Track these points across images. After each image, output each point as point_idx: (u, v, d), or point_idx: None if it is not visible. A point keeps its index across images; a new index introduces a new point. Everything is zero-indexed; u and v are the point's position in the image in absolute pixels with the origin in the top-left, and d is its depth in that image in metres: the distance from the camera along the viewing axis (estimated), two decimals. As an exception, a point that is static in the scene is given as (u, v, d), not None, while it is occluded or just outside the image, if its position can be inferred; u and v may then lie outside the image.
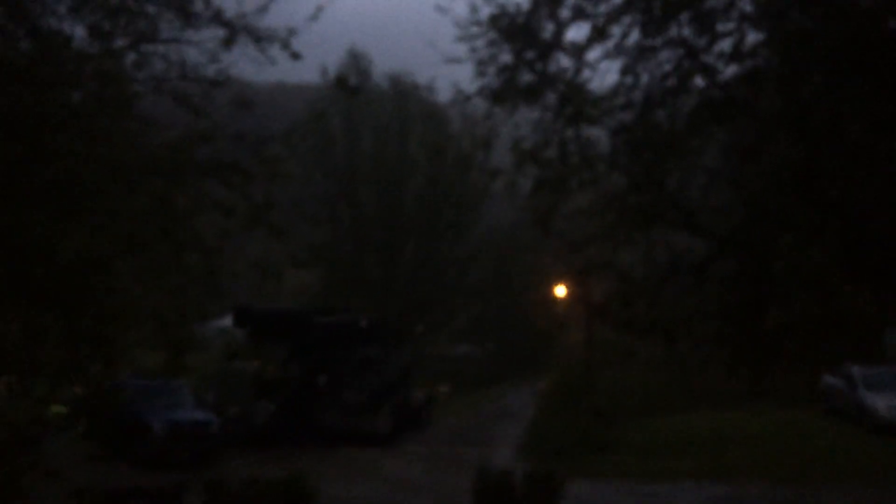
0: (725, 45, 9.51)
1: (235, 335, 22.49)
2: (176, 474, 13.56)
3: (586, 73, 10.23)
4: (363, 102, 32.19)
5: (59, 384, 10.50)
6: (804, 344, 9.51)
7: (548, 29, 10.12)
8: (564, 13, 10.00)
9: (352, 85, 12.56)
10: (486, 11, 10.23)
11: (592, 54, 10.10)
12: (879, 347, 20.97)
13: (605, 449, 19.50)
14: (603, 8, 9.74)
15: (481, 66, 10.29)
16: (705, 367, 11.83)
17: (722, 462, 17.72)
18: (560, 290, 27.60)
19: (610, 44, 9.87)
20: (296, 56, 10.12)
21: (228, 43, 9.96)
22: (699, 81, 10.07)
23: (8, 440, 10.77)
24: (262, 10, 10.05)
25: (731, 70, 9.59)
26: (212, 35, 10.06)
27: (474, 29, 10.30)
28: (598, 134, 10.67)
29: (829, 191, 8.29)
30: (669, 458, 18.48)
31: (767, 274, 8.95)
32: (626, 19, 9.75)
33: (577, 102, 9.91)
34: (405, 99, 32.64)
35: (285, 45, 10.00)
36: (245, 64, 10.52)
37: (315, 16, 10.20)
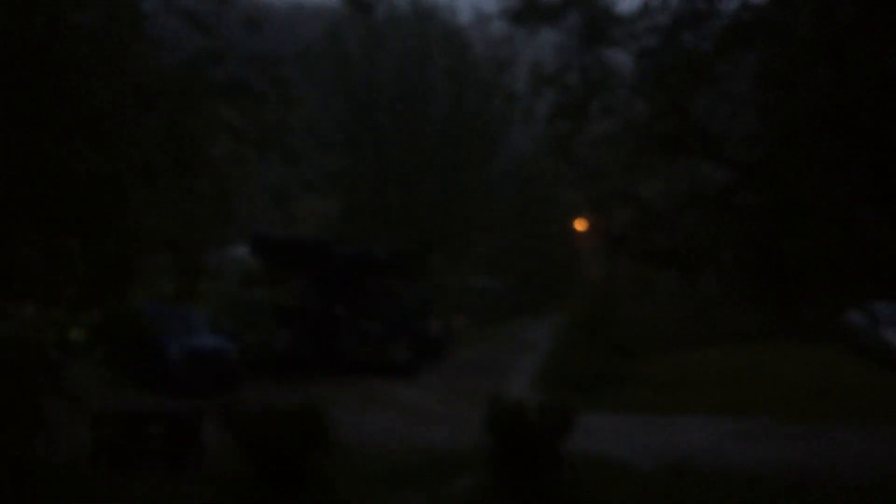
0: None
1: (252, 263, 22.53)
2: (194, 400, 13.72)
3: (611, -6, 9.79)
4: (382, 25, 31.43)
5: (78, 309, 10.55)
6: (826, 278, 9.26)
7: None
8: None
9: (366, 1, 12.13)
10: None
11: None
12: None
13: (621, 382, 19.52)
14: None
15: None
16: (726, 300, 11.64)
17: (739, 398, 17.67)
18: (580, 223, 27.33)
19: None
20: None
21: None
22: (729, 4, 9.61)
23: (29, 364, 10.90)
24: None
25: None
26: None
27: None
28: (621, 58, 10.27)
29: (862, 120, 7.91)
30: (686, 392, 18.47)
31: (792, 205, 8.64)
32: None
33: (601, 23, 9.50)
34: (425, 21, 31.82)
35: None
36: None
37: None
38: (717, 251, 9.74)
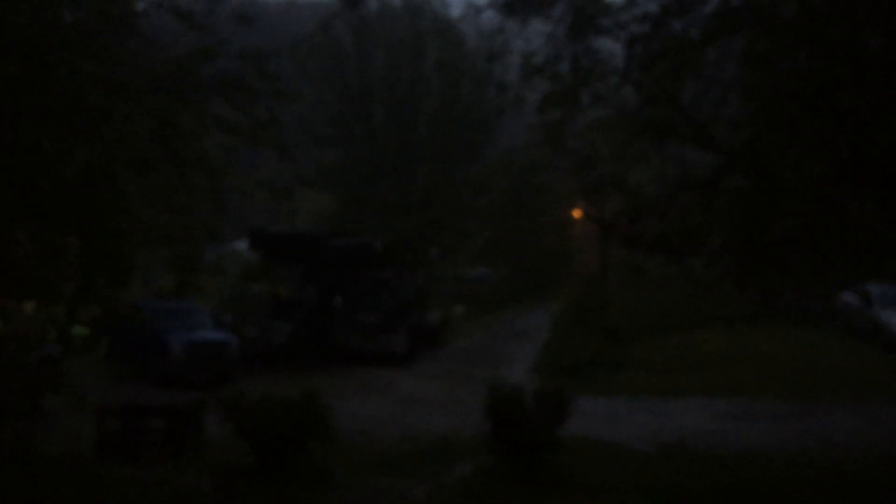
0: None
1: (251, 258, 22.66)
2: (195, 393, 13.86)
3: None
4: (374, 18, 31.47)
5: (77, 305, 10.66)
6: (809, 257, 9.42)
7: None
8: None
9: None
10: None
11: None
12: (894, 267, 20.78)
13: (616, 367, 19.70)
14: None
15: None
16: (717, 284, 11.79)
17: (733, 379, 17.86)
18: (574, 211, 27.44)
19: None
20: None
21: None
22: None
23: (30, 360, 11.03)
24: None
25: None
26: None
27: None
28: (610, 47, 10.39)
29: (841, 101, 8.04)
30: (680, 375, 18.65)
31: (776, 186, 8.79)
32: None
33: (589, 12, 9.60)
34: (418, 14, 31.86)
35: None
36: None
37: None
38: (706, 235, 9.89)
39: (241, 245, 23.87)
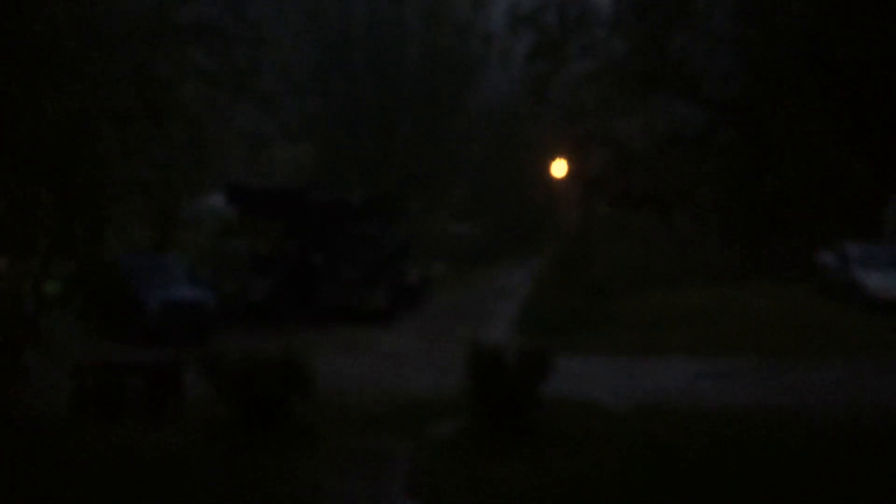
0: None
1: (228, 213, 22.29)
2: (172, 350, 13.66)
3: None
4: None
5: (51, 259, 10.41)
6: (800, 213, 9.35)
7: None
8: None
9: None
10: None
11: None
12: (878, 226, 20.86)
13: (599, 325, 19.73)
14: None
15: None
16: (701, 241, 11.74)
17: (714, 337, 17.95)
18: (558, 166, 27.18)
19: None
20: None
21: None
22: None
23: (5, 315, 10.79)
24: None
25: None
26: None
27: None
28: (599, -3, 10.12)
29: (837, 53, 7.86)
30: (662, 333, 18.72)
31: (768, 142, 8.65)
32: None
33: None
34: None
35: None
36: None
37: None
38: (694, 191, 9.77)
39: (219, 199, 23.46)
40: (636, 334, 18.81)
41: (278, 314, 20.23)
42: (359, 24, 31.02)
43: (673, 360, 16.27)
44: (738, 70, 9.05)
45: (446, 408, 11.75)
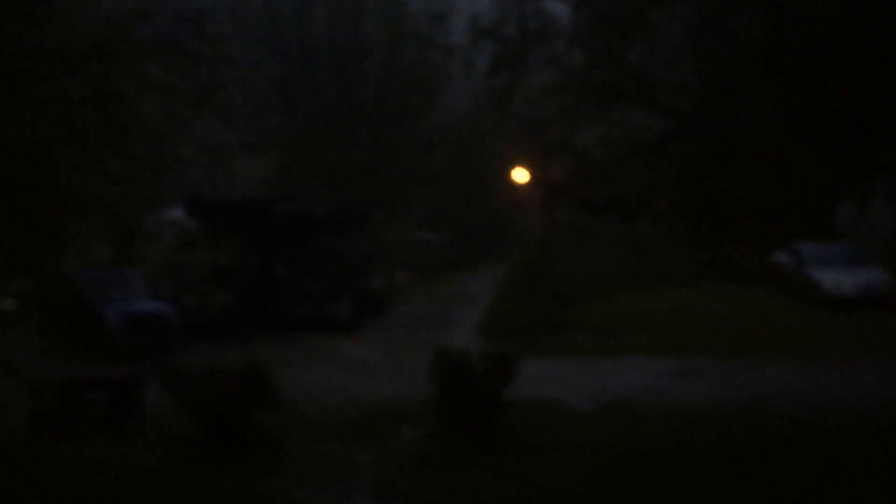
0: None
1: (188, 225, 22.10)
2: (133, 365, 13.50)
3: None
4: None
5: (7, 276, 10.25)
6: (757, 218, 9.63)
7: None
8: None
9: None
10: None
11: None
12: (831, 227, 21.41)
13: (561, 329, 19.95)
14: None
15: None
16: (661, 246, 12.00)
17: (674, 338, 18.28)
18: (519, 174, 27.42)
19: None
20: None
21: None
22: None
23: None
24: None
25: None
26: None
27: None
28: (559, 10, 10.30)
29: (791, 65, 8.15)
30: (623, 335, 19.00)
31: (725, 150, 8.91)
32: None
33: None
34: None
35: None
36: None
37: None
38: (653, 197, 10.00)
39: (179, 212, 23.24)
40: (598, 337, 19.06)
41: (241, 326, 20.11)
42: (320, 38, 31.01)
43: (635, 361, 16.54)
44: (694, 80, 9.30)
45: (412, 414, 11.80)
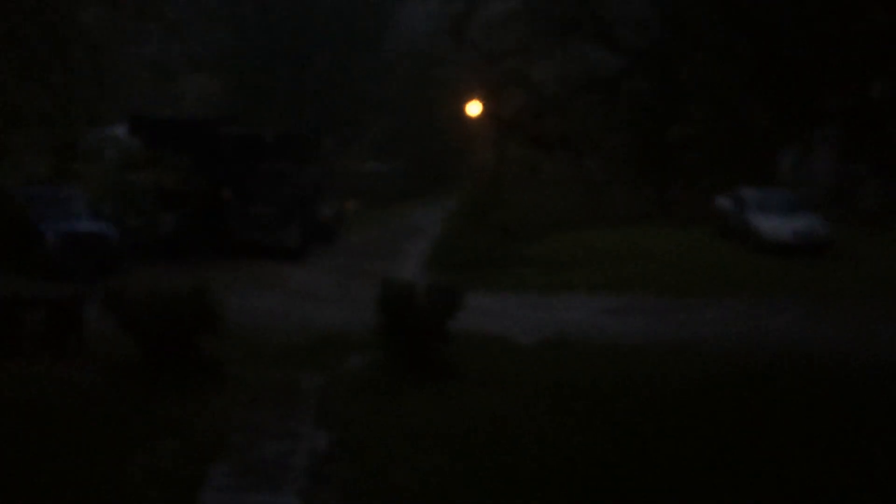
0: None
1: (131, 144, 21.45)
2: (73, 285, 13.24)
3: None
4: None
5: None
6: (703, 160, 9.77)
7: None
8: None
9: None
10: None
11: None
12: (772, 173, 21.90)
13: (508, 264, 20.18)
14: None
15: None
16: (610, 185, 12.11)
17: (617, 276, 18.68)
18: (473, 107, 27.17)
19: None
20: None
21: None
22: None
23: None
24: None
25: None
26: None
27: None
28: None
29: (744, 6, 8.16)
30: (568, 272, 19.33)
31: (677, 90, 8.95)
32: None
33: None
34: None
35: None
36: None
37: None
38: (605, 136, 10.03)
39: (122, 130, 22.48)
40: (544, 273, 19.36)
41: (186, 250, 19.80)
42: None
43: (578, 298, 16.89)
44: (651, 19, 9.25)
45: (358, 343, 11.90)
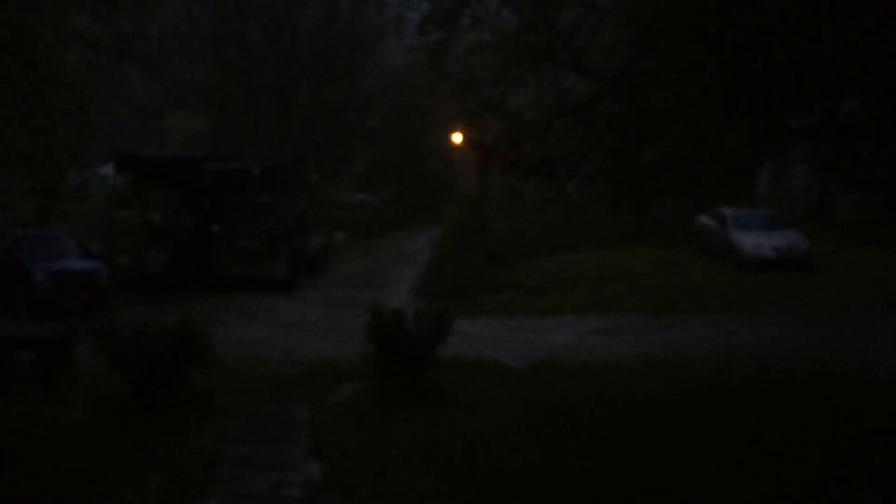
0: None
1: (117, 182, 21.58)
2: (63, 324, 13.25)
3: None
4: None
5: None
6: (678, 179, 9.96)
7: None
8: None
9: None
10: None
11: None
12: (752, 192, 22.20)
13: (495, 289, 20.31)
14: None
15: None
16: (589, 206, 12.29)
17: (602, 297, 18.82)
18: (455, 135, 27.49)
19: None
20: None
21: None
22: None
23: None
24: None
25: None
26: None
27: None
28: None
29: (710, 27, 8.37)
30: (554, 295, 19.47)
31: (648, 111, 9.15)
32: None
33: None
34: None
35: None
36: None
37: None
38: (581, 160, 10.22)
39: (108, 169, 22.62)
40: (530, 297, 19.50)
41: (175, 286, 19.84)
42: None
43: (564, 320, 17.01)
44: (622, 44, 9.47)
45: (348, 372, 11.95)
